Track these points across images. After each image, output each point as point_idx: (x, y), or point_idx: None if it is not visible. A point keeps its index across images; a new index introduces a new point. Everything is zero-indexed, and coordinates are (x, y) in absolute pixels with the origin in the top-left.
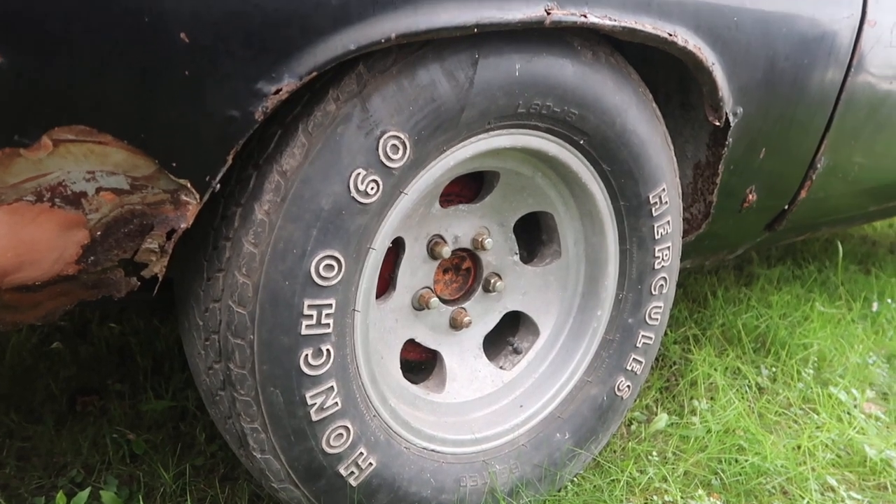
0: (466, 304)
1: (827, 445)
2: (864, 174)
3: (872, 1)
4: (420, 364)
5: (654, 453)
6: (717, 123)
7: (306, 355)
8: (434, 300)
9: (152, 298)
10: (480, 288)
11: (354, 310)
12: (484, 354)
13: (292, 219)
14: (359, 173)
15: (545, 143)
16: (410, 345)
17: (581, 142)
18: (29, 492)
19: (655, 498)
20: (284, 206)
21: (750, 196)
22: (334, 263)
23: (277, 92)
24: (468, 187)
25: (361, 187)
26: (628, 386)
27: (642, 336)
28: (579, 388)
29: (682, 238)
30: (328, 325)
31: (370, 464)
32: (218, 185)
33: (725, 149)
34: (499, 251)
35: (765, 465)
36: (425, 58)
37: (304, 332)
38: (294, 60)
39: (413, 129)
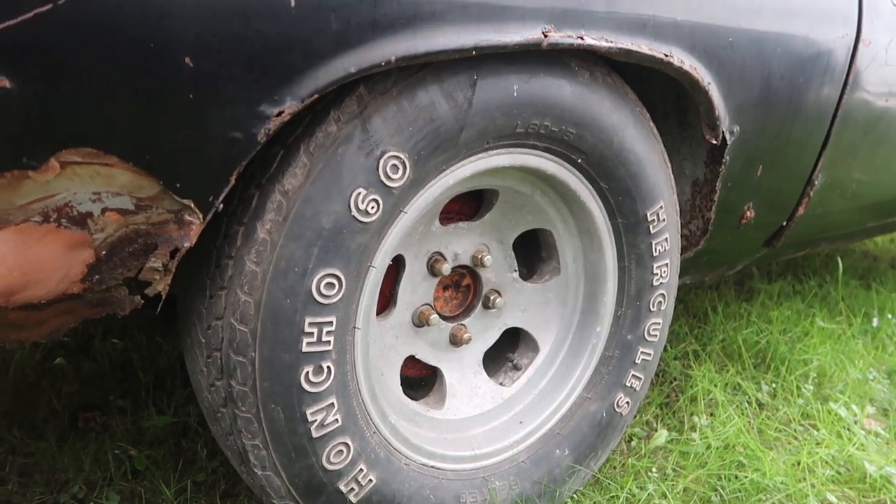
0: (466, 321)
1: (827, 462)
2: (862, 190)
3: (867, 20)
4: (420, 380)
5: (654, 469)
6: (714, 142)
7: (307, 372)
8: (434, 317)
9: (155, 316)
10: (480, 304)
11: (355, 327)
12: (484, 371)
13: (294, 237)
14: (359, 193)
15: (543, 162)
16: (410, 361)
17: (579, 160)
18: None
19: None
20: (286, 225)
21: (748, 212)
22: (335, 281)
23: (280, 114)
24: (468, 205)
25: (362, 206)
26: (627, 402)
27: (641, 352)
28: (579, 404)
29: (681, 254)
30: (329, 342)
31: (370, 480)
32: (221, 205)
33: (723, 166)
34: (498, 268)
35: (764, 481)
36: (425, 79)
37: (304, 349)
38: (296, 83)
39: (413, 150)
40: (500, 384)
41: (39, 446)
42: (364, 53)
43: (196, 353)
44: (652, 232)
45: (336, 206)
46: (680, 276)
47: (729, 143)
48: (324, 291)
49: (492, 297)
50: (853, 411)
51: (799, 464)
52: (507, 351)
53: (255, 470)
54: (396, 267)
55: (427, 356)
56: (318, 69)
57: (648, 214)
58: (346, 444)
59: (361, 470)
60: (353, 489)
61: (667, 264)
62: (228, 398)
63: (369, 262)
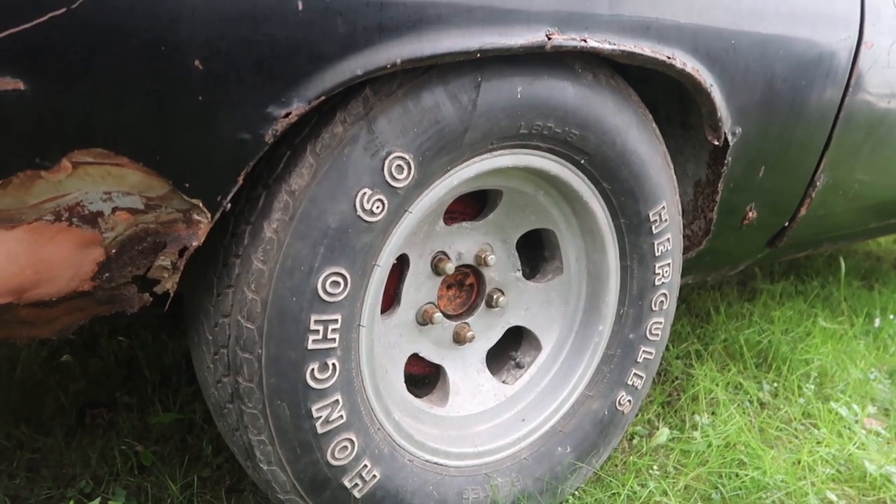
0: (470, 320)
1: (827, 460)
2: (864, 191)
3: (869, 23)
4: (424, 378)
5: (655, 467)
6: (717, 143)
7: (312, 369)
8: (438, 315)
9: (161, 314)
10: (483, 303)
11: (360, 325)
12: (487, 369)
13: (300, 237)
14: (365, 193)
15: (547, 163)
16: (414, 359)
17: (582, 161)
18: (39, 503)
19: None
20: (293, 225)
21: (750, 213)
22: (340, 280)
23: (287, 115)
24: (472, 205)
25: (367, 206)
26: (629, 400)
27: (643, 351)
28: (581, 402)
29: (683, 254)
30: (334, 339)
31: (374, 476)
32: (229, 205)
33: (725, 167)
34: (502, 267)
35: (765, 479)
36: (430, 81)
37: (310, 346)
38: (303, 85)
39: (418, 150)
40: (503, 382)
41: (47, 442)
42: (370, 56)
43: (203, 351)
44: (654, 232)
45: (342, 205)
46: (682, 276)
47: (731, 144)
48: (329, 290)
49: (495, 296)
50: (854, 411)
51: (799, 462)
52: (509, 349)
53: (261, 465)
54: (401, 266)
55: (431, 354)
56: (324, 71)
57: (651, 215)
58: (351, 440)
59: (366, 466)
60: (357, 485)
61: (669, 264)
62: (235, 394)
63: (374, 261)
